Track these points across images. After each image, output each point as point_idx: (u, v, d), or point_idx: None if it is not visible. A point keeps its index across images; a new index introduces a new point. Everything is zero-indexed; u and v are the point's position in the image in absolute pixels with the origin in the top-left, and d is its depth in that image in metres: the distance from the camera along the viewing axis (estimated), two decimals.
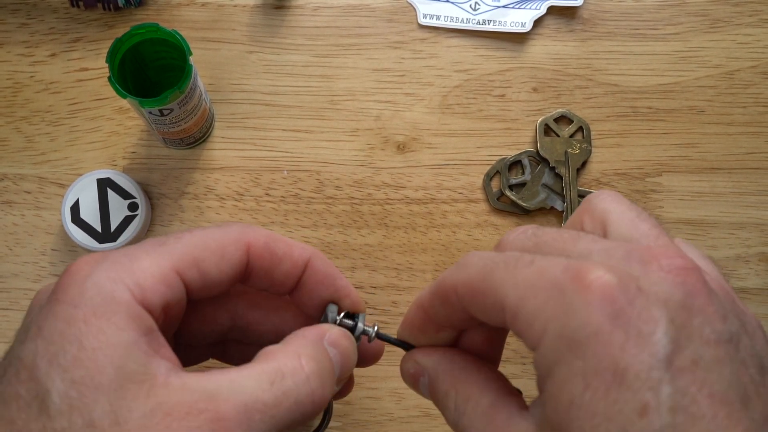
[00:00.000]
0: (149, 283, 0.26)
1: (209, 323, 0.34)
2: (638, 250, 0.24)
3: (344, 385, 0.35)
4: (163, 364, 0.26)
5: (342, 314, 0.32)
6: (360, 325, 0.32)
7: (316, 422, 0.41)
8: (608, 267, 0.23)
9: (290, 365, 0.27)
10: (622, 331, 0.21)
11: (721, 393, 0.21)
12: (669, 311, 0.22)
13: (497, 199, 0.48)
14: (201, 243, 0.29)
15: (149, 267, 0.27)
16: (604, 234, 0.27)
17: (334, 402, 0.44)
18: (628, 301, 0.22)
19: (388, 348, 0.46)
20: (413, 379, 0.31)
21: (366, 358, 0.35)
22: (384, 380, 0.45)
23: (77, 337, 0.24)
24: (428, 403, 0.45)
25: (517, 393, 0.28)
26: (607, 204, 0.28)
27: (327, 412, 0.35)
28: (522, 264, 0.24)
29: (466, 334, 0.30)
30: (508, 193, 0.48)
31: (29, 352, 0.25)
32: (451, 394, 0.28)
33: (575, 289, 0.22)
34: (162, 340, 0.27)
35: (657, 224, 0.27)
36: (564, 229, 0.27)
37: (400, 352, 0.48)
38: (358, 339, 0.32)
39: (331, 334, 0.30)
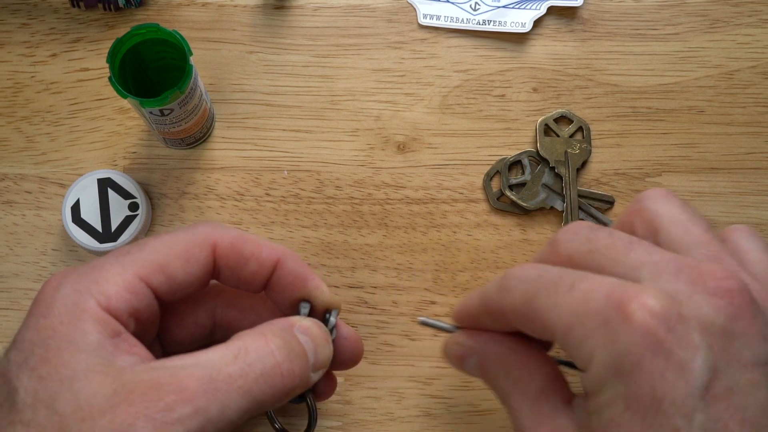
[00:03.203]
0: (113, 292, 0.28)
1: (191, 325, 0.35)
2: (687, 268, 0.25)
3: (325, 385, 0.36)
4: (131, 358, 0.27)
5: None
6: (332, 319, 0.33)
7: (304, 423, 0.41)
8: (651, 292, 0.24)
9: (255, 342, 0.28)
10: (662, 359, 0.23)
11: (753, 417, 0.22)
12: (708, 337, 0.23)
13: (497, 199, 0.49)
14: (165, 248, 0.30)
15: (113, 277, 0.28)
16: (655, 238, 0.28)
17: (331, 403, 0.45)
18: (668, 329, 0.23)
19: (389, 348, 0.46)
20: (459, 360, 0.33)
21: (345, 360, 0.36)
22: (384, 380, 0.45)
23: (45, 341, 0.26)
24: (428, 403, 0.45)
25: (563, 380, 0.29)
26: (659, 206, 0.29)
27: (311, 411, 0.35)
28: (563, 289, 0.26)
29: None
30: (508, 193, 0.48)
31: (4, 361, 0.26)
32: (500, 375, 0.30)
33: (618, 320, 0.24)
34: (133, 340, 0.28)
35: (708, 227, 0.28)
36: (616, 232, 0.28)
37: (401, 352, 0.48)
38: (332, 333, 0.33)
39: (301, 323, 0.31)
